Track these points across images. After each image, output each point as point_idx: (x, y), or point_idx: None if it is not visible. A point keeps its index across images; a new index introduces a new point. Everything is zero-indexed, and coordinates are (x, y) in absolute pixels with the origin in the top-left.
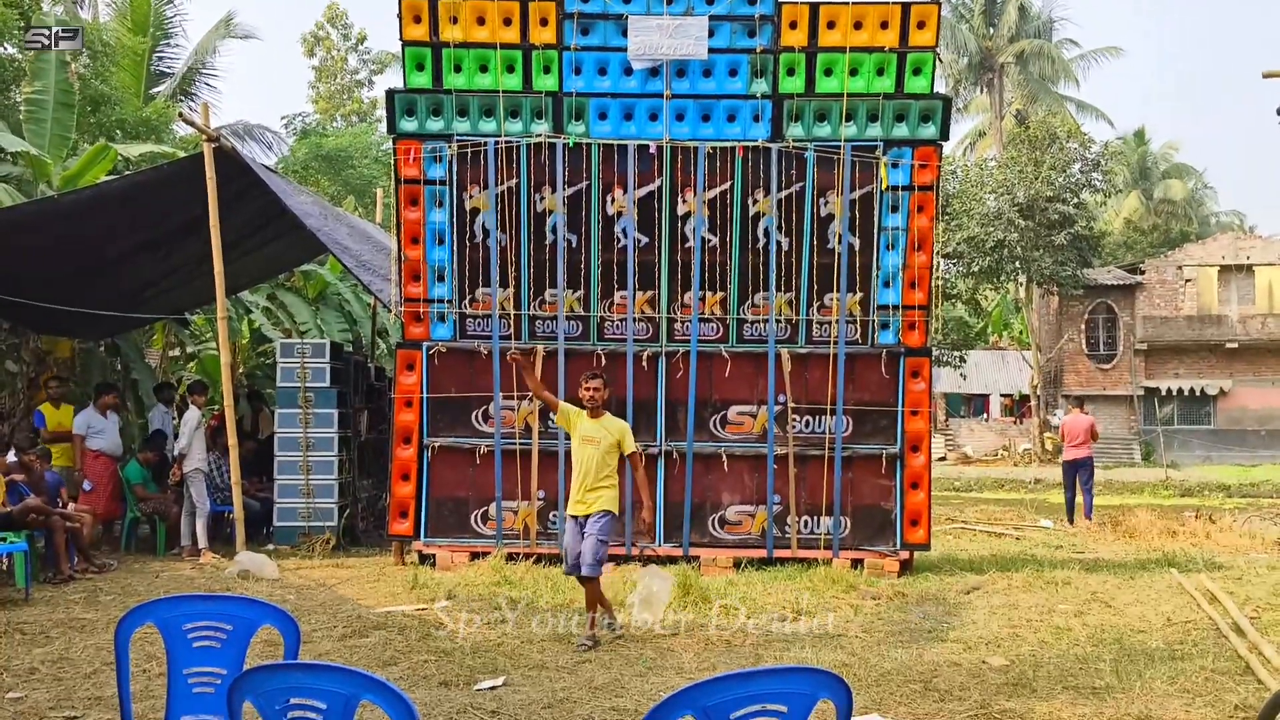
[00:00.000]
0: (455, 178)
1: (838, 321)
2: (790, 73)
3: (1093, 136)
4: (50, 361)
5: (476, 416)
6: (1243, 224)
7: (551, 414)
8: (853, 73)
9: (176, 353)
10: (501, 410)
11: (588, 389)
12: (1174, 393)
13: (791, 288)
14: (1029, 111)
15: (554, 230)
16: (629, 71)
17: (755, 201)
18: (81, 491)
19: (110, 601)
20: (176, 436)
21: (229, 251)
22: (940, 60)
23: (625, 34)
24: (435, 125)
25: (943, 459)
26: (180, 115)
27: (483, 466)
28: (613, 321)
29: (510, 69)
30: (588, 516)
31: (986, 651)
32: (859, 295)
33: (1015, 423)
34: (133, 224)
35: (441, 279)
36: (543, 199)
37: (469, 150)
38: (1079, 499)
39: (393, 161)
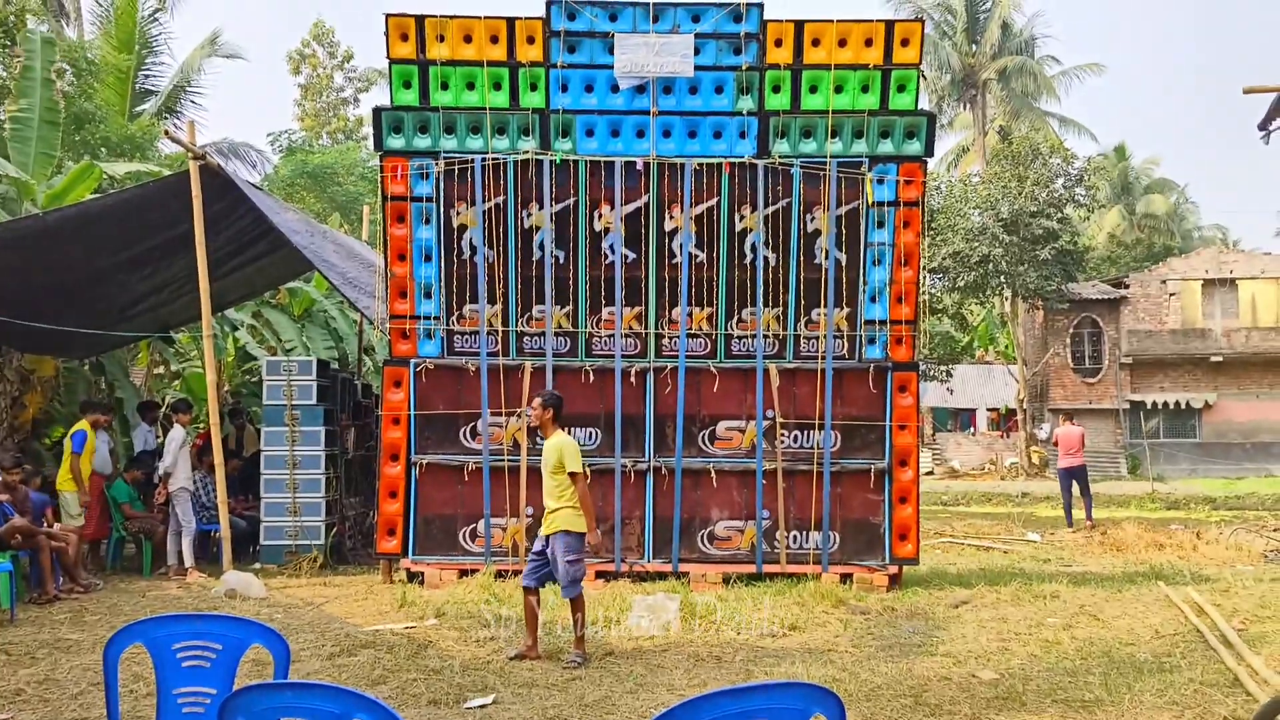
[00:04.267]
0: (442, 194)
1: (825, 337)
2: (776, 90)
3: (1075, 152)
4: (35, 380)
5: (464, 433)
6: (1226, 238)
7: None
8: (838, 90)
9: (161, 371)
10: (489, 427)
11: (530, 410)
12: (1159, 406)
13: (779, 303)
14: (1012, 127)
15: (541, 246)
16: (616, 89)
17: (742, 217)
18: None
19: (96, 622)
20: (160, 455)
21: (214, 269)
22: (924, 77)
23: (612, 52)
24: (422, 142)
25: (930, 473)
26: (166, 133)
27: (471, 483)
28: (600, 337)
29: (497, 86)
30: (549, 537)
31: (976, 665)
32: (846, 310)
33: (1002, 436)
34: (117, 242)
35: (428, 296)
36: (530, 215)
37: (456, 167)
38: (1076, 506)
39: (379, 178)
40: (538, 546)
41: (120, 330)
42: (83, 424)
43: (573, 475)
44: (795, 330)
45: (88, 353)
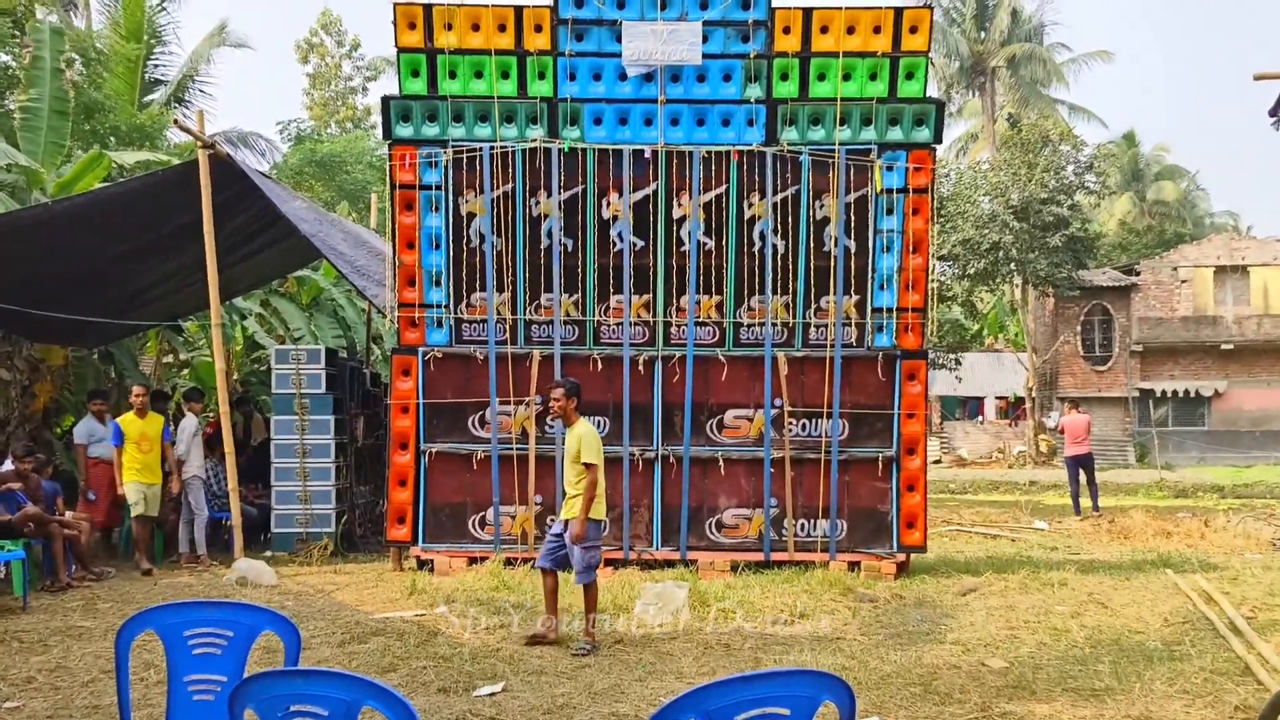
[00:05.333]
0: (450, 183)
1: (834, 324)
2: (784, 77)
3: (1085, 139)
4: (44, 370)
5: (473, 421)
6: (1237, 225)
7: None
8: (846, 77)
9: (170, 360)
10: (498, 415)
11: (549, 399)
12: (1169, 394)
13: (788, 291)
14: (1021, 115)
15: (549, 235)
16: (624, 77)
17: (750, 205)
18: (83, 500)
19: (108, 609)
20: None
21: (223, 258)
22: (933, 64)
23: (619, 40)
24: (430, 131)
25: (938, 461)
26: (175, 123)
27: (480, 471)
28: (609, 326)
29: (505, 75)
30: (567, 521)
31: (985, 653)
32: (855, 298)
33: (1010, 425)
34: (127, 231)
35: (437, 284)
36: (538, 204)
37: (464, 155)
38: (1083, 494)
39: (388, 167)
40: (556, 529)
41: (129, 319)
42: (129, 417)
43: (588, 466)
44: (804, 318)
45: (97, 342)
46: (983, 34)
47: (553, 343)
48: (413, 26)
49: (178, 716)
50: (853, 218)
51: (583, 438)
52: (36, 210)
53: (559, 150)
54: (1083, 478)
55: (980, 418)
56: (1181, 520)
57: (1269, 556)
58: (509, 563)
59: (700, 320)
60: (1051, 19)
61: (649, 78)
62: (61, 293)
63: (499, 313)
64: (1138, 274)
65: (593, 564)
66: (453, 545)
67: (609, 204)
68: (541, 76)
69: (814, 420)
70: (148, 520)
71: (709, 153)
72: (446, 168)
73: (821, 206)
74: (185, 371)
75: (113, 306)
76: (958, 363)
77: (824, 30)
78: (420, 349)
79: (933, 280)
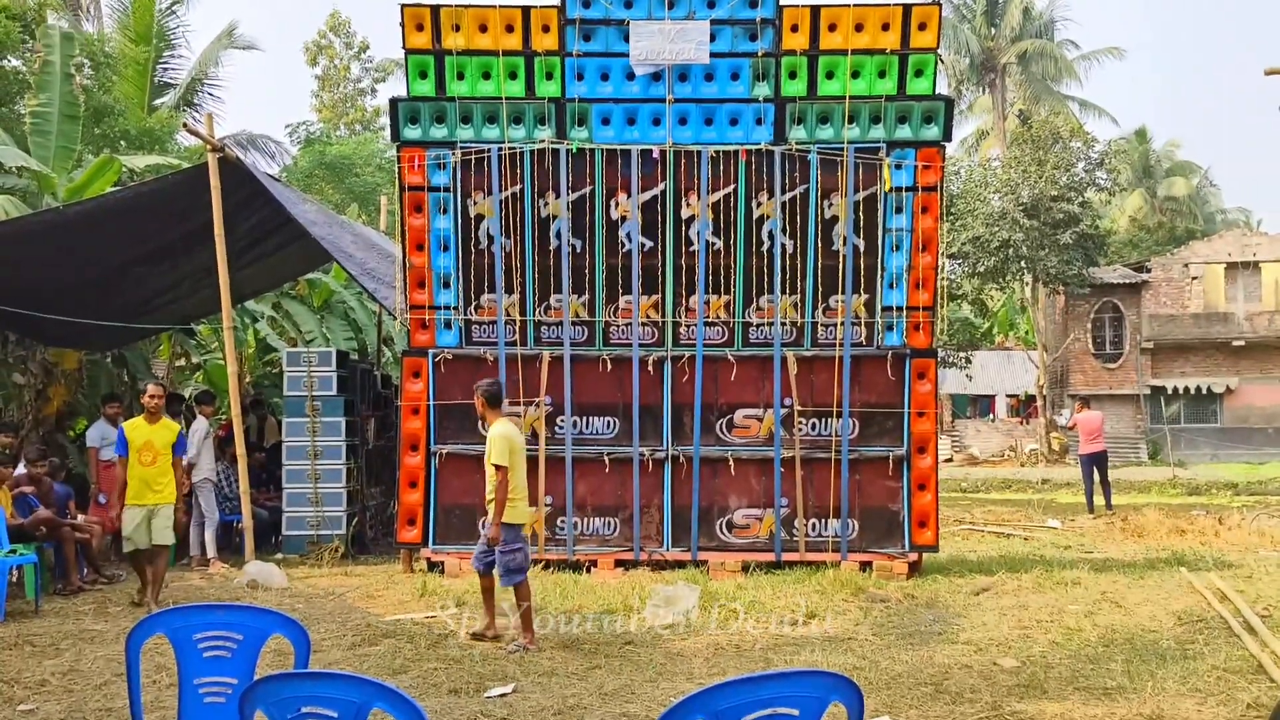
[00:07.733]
0: (459, 184)
1: (843, 323)
2: (792, 76)
3: (1095, 135)
4: (58, 373)
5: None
6: (1249, 220)
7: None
8: (855, 75)
9: (183, 363)
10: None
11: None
12: (1180, 391)
13: (796, 290)
14: (1032, 111)
15: (558, 236)
16: (631, 77)
17: (759, 204)
18: (95, 503)
19: (120, 612)
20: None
21: (234, 261)
22: (942, 61)
23: (627, 39)
24: (439, 132)
25: (949, 460)
26: (185, 126)
27: None
28: (618, 326)
29: (513, 76)
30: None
31: (997, 653)
32: (864, 297)
33: (1021, 423)
34: (138, 235)
35: (447, 286)
36: (546, 205)
37: (473, 157)
38: (1096, 493)
39: (397, 169)
40: (487, 533)
41: (141, 323)
42: (136, 422)
43: (497, 468)
44: (813, 317)
45: (110, 345)
46: (993, 30)
47: (562, 344)
48: (420, 28)
49: (189, 719)
50: (861, 216)
51: (492, 440)
52: (48, 215)
53: (567, 151)
54: (1097, 476)
55: (991, 416)
56: (1196, 518)
57: None
58: None
59: (709, 320)
60: (1062, 15)
61: (656, 77)
62: (74, 297)
63: (508, 314)
64: (1148, 271)
65: (512, 567)
66: (463, 547)
67: (617, 204)
68: (549, 77)
69: (824, 419)
70: (138, 554)
71: (717, 152)
72: (455, 169)
73: (830, 205)
74: (198, 375)
75: (125, 310)
76: (968, 361)
77: (832, 28)
78: (430, 351)
79: (942, 279)
